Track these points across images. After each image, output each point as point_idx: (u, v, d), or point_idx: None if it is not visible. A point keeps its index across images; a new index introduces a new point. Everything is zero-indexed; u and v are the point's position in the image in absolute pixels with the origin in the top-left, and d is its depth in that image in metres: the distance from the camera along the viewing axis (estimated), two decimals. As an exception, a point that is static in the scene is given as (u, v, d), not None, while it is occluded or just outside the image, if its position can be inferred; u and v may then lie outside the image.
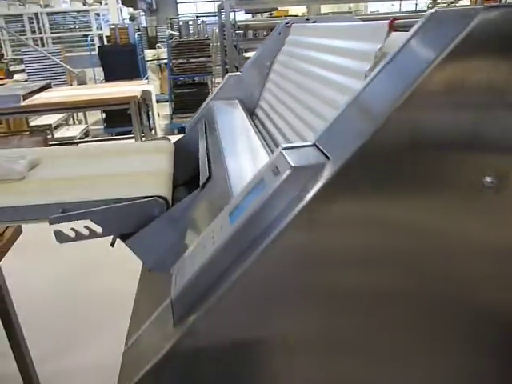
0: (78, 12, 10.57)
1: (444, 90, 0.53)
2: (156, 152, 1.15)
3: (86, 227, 0.88)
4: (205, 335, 0.61)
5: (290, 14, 14.14)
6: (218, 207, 0.72)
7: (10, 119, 6.09)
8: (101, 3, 10.98)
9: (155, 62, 10.57)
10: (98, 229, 0.89)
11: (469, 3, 9.09)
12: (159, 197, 0.89)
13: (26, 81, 7.62)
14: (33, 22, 10.46)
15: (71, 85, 7.64)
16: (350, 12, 12.07)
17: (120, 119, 6.65)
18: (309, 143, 0.65)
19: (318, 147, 0.62)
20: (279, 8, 10.86)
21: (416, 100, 0.53)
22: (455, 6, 9.65)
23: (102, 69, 7.77)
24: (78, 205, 0.88)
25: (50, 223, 0.87)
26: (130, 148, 1.14)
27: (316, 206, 0.56)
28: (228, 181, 0.79)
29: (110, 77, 7.63)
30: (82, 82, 7.73)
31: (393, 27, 0.77)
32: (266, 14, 13.03)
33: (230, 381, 0.65)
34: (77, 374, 2.26)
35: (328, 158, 0.58)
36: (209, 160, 1.03)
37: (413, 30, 0.59)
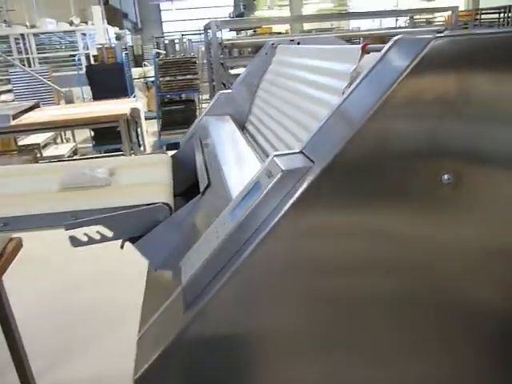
0: (65, 32, 10.70)
1: (406, 103, 0.65)
2: (157, 164, 1.25)
3: (97, 232, 0.98)
4: (214, 317, 0.71)
5: (273, 31, 14.39)
6: (217, 210, 0.83)
7: (-1, 139, 6.11)
8: (87, 23, 11.11)
9: (142, 79, 10.70)
10: (109, 233, 0.98)
11: (445, 19, 9.42)
12: (163, 203, 1.00)
13: (14, 101, 7.67)
14: (19, 43, 10.55)
15: (59, 104, 7.71)
16: (332, 28, 12.38)
17: (108, 137, 6.72)
18: (296, 151, 0.76)
19: (304, 154, 0.74)
20: (263, 25, 11.08)
21: (383, 112, 0.65)
22: (433, 22, 9.96)
23: (89, 88, 7.87)
24: (90, 212, 0.98)
25: (66, 229, 0.96)
26: (134, 161, 1.24)
27: (304, 202, 0.67)
28: (226, 186, 0.90)
29: (98, 95, 7.72)
30: (69, 101, 7.82)
31: (365, 51, 0.89)
32: (250, 31, 13.28)
33: (239, 361, 0.75)
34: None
35: (313, 162, 0.69)
36: (207, 169, 1.13)
37: (381, 53, 0.71)
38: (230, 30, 14.99)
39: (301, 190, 0.67)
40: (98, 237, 0.99)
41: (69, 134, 7.82)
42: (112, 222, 0.96)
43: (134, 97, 8.59)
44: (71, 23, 10.60)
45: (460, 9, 11.61)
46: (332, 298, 0.74)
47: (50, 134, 6.97)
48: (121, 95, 7.10)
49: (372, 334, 0.77)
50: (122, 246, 1.03)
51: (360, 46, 0.90)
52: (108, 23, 14.23)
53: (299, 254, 0.70)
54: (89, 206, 0.99)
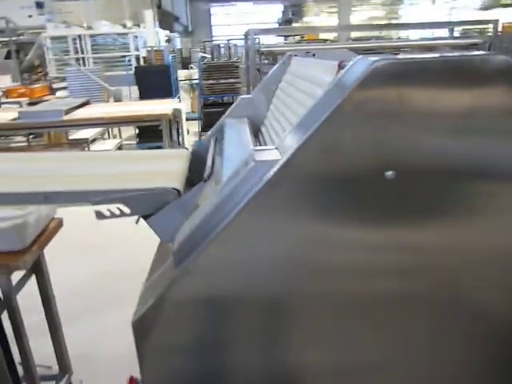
0: (118, 34, 11.26)
1: (353, 111, 0.81)
2: (175, 157, 1.45)
3: (118, 208, 1.19)
4: (196, 274, 0.89)
5: (320, 37, 14.50)
6: (212, 193, 1.01)
7: (52, 132, 6.55)
8: (139, 26, 11.63)
9: (187, 81, 11.08)
10: (127, 210, 1.19)
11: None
12: (173, 188, 1.19)
13: (68, 97, 8.19)
14: (76, 43, 11.19)
15: (108, 101, 8.16)
16: (381, 37, 12.44)
17: (152, 135, 7.03)
18: (273, 147, 0.93)
19: (278, 149, 0.91)
20: (302, 33, 11.21)
21: (335, 118, 0.81)
22: (487, 32, 9.77)
23: (137, 87, 8.29)
24: (114, 192, 1.19)
25: (93, 204, 1.18)
26: (157, 153, 1.45)
27: (270, 186, 0.84)
28: (222, 174, 1.08)
29: (144, 95, 8.10)
30: (118, 99, 8.25)
31: (341, 66, 1.05)
32: (297, 37, 13.43)
33: (216, 312, 0.93)
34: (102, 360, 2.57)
35: (281, 155, 0.86)
36: (213, 161, 1.32)
37: (343, 71, 0.88)
38: (278, 36, 15.22)
39: (268, 176, 0.84)
40: (118, 212, 1.19)
41: (116, 130, 8.26)
42: (129, 201, 1.16)
43: (179, 98, 8.94)
44: (124, 26, 11.13)
45: (514, 20, 11.27)
46: (299, 259, 0.90)
47: (98, 130, 7.37)
48: (165, 96, 7.41)
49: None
50: (136, 222, 1.23)
51: (337, 62, 1.06)
52: (160, 26, 14.79)
53: (266, 227, 0.87)
54: (114, 187, 1.20)
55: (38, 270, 2.11)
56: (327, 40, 13.72)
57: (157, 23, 14.33)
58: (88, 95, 7.45)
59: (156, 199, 1.17)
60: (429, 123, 0.82)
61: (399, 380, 1.00)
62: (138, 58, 10.46)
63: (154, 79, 8.10)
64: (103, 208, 1.20)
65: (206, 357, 0.92)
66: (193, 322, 0.92)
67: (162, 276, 0.97)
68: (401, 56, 0.81)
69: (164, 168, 1.35)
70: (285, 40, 13.75)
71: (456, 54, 0.83)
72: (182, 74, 11.39)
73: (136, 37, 10.91)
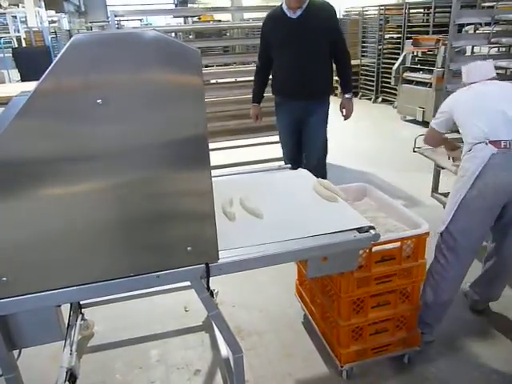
0: (-5, 14, 10.71)
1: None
2: None
3: None
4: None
5: (215, 19, 14.84)
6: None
7: None
8: (18, 6, 11.17)
9: (75, 63, 10.87)
10: None
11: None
12: None
13: None
14: None
15: (-14, 85, 7.92)
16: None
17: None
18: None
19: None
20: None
21: (49, 78, 1.25)
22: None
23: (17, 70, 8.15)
24: None
25: None
26: None
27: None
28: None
29: (26, 77, 7.97)
30: (1, 82, 8.05)
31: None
32: (195, 18, 13.60)
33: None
34: None
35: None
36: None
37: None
38: (175, 17, 15.18)
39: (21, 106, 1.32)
40: None
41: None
42: None
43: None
44: (0, 6, 10.66)
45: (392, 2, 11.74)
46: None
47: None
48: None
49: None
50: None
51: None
52: (47, 6, 14.11)
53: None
54: None
55: None
56: (220, 21, 14.10)
57: (42, 2, 13.71)
58: (-37, 79, 7.22)
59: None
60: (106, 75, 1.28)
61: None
62: (19, 40, 10.12)
63: (34, 61, 8.01)
64: None
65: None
66: None
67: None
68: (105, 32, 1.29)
69: None
70: (184, 22, 13.82)
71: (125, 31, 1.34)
72: (69, 55, 11.08)
73: (15, 17, 10.51)
